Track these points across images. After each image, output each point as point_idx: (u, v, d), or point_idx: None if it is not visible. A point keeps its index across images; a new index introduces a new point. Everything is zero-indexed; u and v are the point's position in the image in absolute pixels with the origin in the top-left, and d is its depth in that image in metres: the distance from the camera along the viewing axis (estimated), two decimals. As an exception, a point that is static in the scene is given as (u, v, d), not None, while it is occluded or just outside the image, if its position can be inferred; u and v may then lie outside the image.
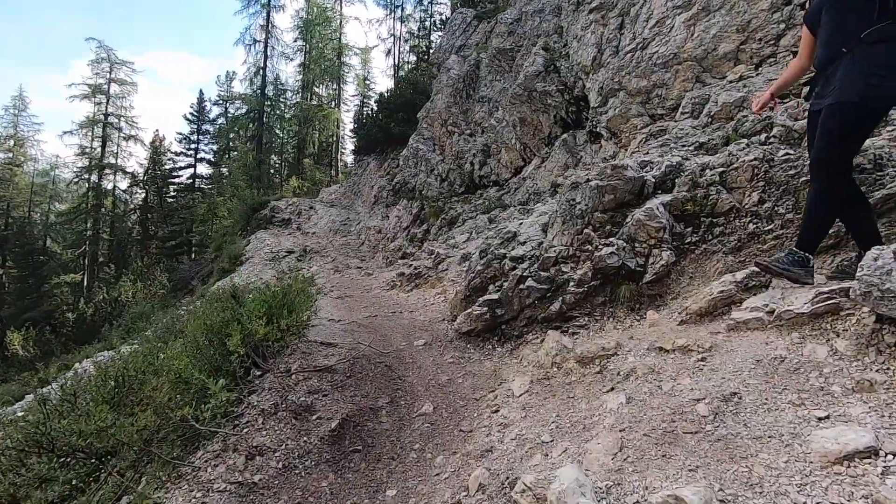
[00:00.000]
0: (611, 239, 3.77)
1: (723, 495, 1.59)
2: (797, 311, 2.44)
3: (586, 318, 3.61)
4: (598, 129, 7.65)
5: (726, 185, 3.69)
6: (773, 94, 3.03)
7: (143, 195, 34.47)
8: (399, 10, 30.75)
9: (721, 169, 3.75)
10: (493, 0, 14.15)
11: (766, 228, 3.40)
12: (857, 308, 2.28)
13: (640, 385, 2.43)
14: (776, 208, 3.42)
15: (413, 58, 28.34)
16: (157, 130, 41.75)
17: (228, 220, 20.37)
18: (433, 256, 7.47)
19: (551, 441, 2.32)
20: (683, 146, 4.73)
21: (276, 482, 2.47)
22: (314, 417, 2.93)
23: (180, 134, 33.49)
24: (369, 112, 21.65)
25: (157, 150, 34.05)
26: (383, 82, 51.65)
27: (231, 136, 34.31)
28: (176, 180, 34.10)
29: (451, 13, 16.93)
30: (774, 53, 5.53)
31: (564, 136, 8.69)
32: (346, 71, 35.00)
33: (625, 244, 3.68)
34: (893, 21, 2.25)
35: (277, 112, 33.92)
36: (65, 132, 32.39)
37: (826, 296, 2.39)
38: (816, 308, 2.39)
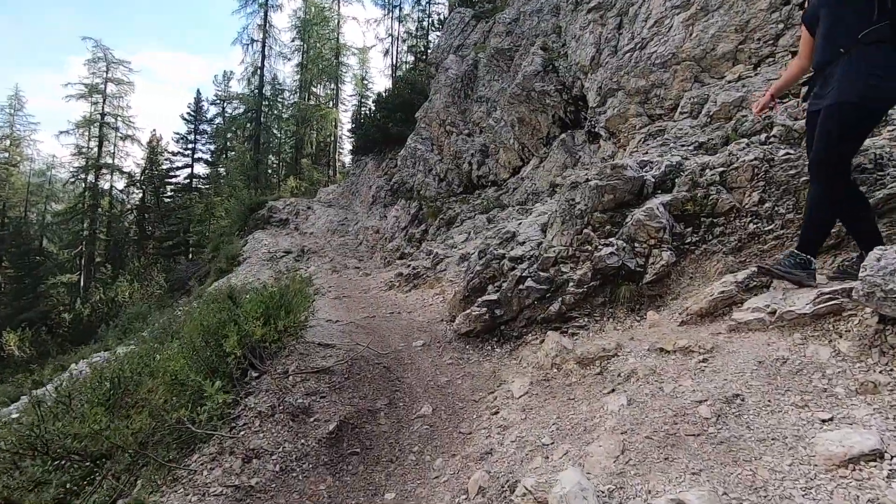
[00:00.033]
0: (610, 239, 3.75)
1: (727, 499, 1.56)
2: (799, 312, 2.42)
3: (586, 319, 3.59)
4: (596, 129, 7.64)
5: (726, 184, 3.67)
6: (774, 96, 3.02)
7: (140, 195, 34.36)
8: (397, 10, 30.72)
9: (721, 169, 3.73)
10: (492, 0, 14.13)
11: (766, 228, 3.38)
12: (860, 309, 2.26)
13: (641, 386, 2.41)
14: (776, 208, 3.41)
15: (411, 58, 28.33)
16: (154, 130, 41.71)
17: (226, 221, 20.31)
18: (431, 257, 7.45)
19: (552, 443, 2.30)
20: (683, 146, 4.71)
21: (274, 485, 2.44)
22: (312, 419, 2.90)
23: (177, 134, 33.41)
24: (367, 112, 21.64)
25: (154, 149, 33.93)
26: (381, 82, 51.65)
27: (228, 135, 34.21)
28: (173, 180, 33.98)
29: (449, 13, 16.91)
30: (773, 53, 5.53)
31: (563, 136, 8.67)
32: (344, 71, 34.96)
33: (625, 244, 3.66)
34: (891, 21, 2.24)
35: (275, 112, 33.83)
36: (61, 132, 32.28)
37: (828, 296, 2.38)
38: (818, 309, 2.38)
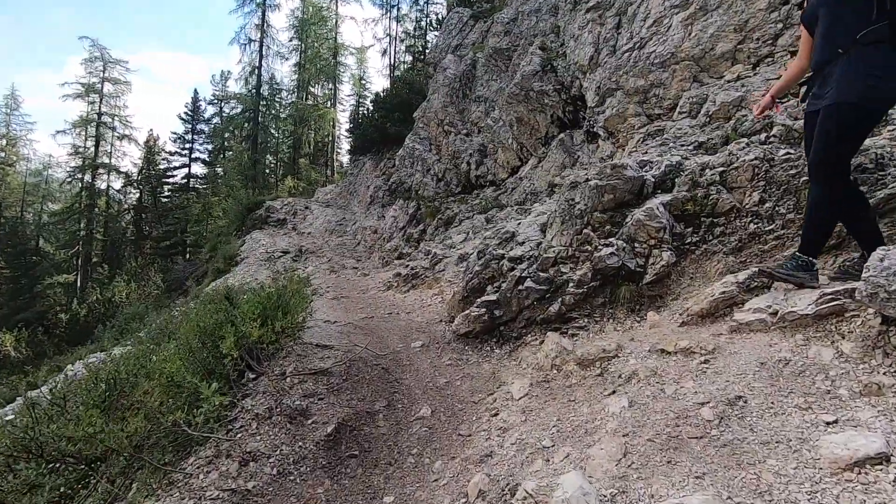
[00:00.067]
0: (610, 239, 3.73)
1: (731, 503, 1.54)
2: (801, 313, 2.40)
3: (586, 320, 3.56)
4: (595, 129, 7.62)
5: (726, 184, 3.66)
6: (774, 97, 3.01)
7: (138, 195, 34.28)
8: (395, 10, 30.70)
9: (721, 168, 3.71)
10: (490, 0, 14.11)
11: (767, 228, 3.37)
12: (862, 309, 2.25)
13: (643, 388, 2.38)
14: (777, 208, 3.39)
15: (409, 58, 28.29)
16: (151, 130, 41.57)
17: (223, 220, 20.27)
18: (430, 257, 7.42)
19: (552, 446, 2.27)
20: (682, 146, 4.70)
21: (271, 489, 2.41)
22: (309, 422, 2.87)
23: (175, 133, 33.34)
24: (365, 112, 21.61)
25: (151, 149, 33.84)
26: (379, 82, 51.62)
27: (226, 135, 34.15)
28: (170, 180, 33.92)
29: (448, 13, 16.89)
30: (772, 53, 5.52)
31: (561, 135, 8.65)
32: (342, 70, 34.90)
33: (624, 244, 3.64)
34: (890, 21, 2.23)
35: (273, 112, 33.77)
36: (58, 131, 32.25)
37: (830, 297, 2.36)
38: (820, 309, 2.36)
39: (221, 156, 33.71)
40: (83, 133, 32.09)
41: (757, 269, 2.90)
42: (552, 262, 3.93)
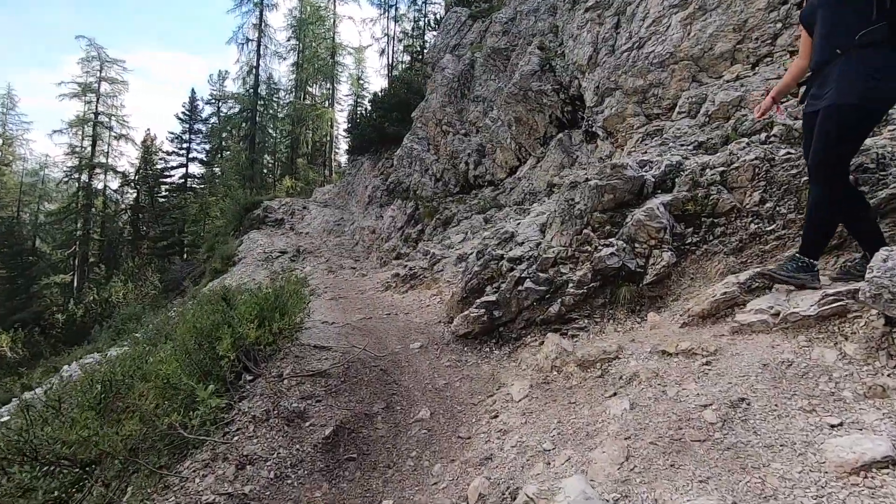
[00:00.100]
0: (610, 239, 3.71)
1: (736, 508, 1.52)
2: (803, 314, 2.38)
3: (586, 321, 3.54)
4: (594, 129, 7.60)
5: (727, 184, 3.64)
6: (775, 99, 2.99)
7: (135, 195, 34.14)
8: (393, 10, 30.65)
9: (721, 168, 3.69)
10: (488, 0, 14.08)
11: (767, 229, 3.35)
12: (865, 310, 2.23)
13: (644, 390, 2.36)
14: (778, 208, 3.37)
15: (407, 57, 28.24)
16: (148, 129, 41.32)
17: (221, 221, 20.20)
18: (428, 257, 7.39)
19: (553, 449, 2.24)
20: (682, 145, 4.68)
21: (268, 493, 2.38)
22: (307, 424, 2.84)
23: (172, 133, 33.21)
24: (363, 112, 21.56)
25: (148, 149, 33.73)
26: (377, 82, 51.60)
27: (223, 135, 34.06)
28: (168, 180, 33.79)
29: (446, 13, 16.85)
30: (771, 53, 5.51)
31: (560, 135, 8.64)
32: (340, 70, 34.84)
33: (625, 245, 3.62)
34: (890, 22, 2.22)
35: (270, 111, 33.69)
36: (54, 131, 32.09)
37: (833, 298, 2.34)
38: (823, 310, 2.34)
39: (219, 156, 33.61)
40: (80, 133, 31.98)
41: (757, 271, 2.88)
42: (552, 262, 3.90)
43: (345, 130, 25.91)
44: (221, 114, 34.74)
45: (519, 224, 5.01)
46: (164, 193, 33.70)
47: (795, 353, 2.23)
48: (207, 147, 34.24)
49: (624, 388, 2.47)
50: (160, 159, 33.98)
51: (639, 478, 1.77)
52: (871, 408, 1.80)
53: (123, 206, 34.61)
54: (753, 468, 1.66)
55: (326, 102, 34.43)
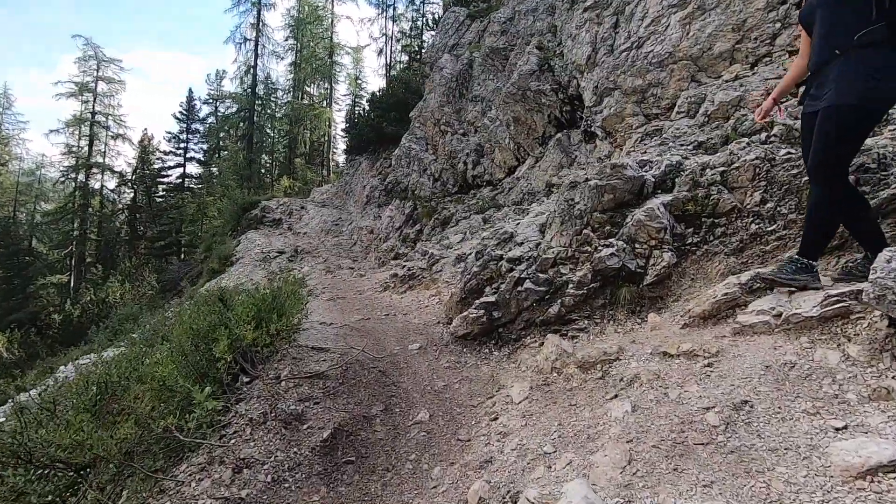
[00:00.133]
0: (610, 240, 3.68)
1: (741, 513, 1.50)
2: (806, 315, 2.36)
3: (586, 322, 3.51)
4: (592, 129, 7.59)
5: (727, 184, 3.62)
6: (776, 100, 2.98)
7: (132, 195, 33.99)
8: (391, 10, 30.58)
9: (722, 168, 3.68)
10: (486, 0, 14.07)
11: (768, 229, 3.33)
12: (868, 312, 2.21)
13: (646, 392, 2.34)
14: (779, 208, 3.35)
15: (405, 57, 28.19)
16: (145, 129, 41.23)
17: (218, 220, 20.12)
18: (427, 257, 7.36)
19: (554, 452, 2.22)
20: (682, 145, 4.67)
21: (265, 497, 2.34)
22: (305, 427, 2.80)
23: (169, 133, 33.08)
24: (361, 111, 21.50)
25: (145, 149, 33.59)
26: (375, 82, 51.55)
27: (221, 135, 33.94)
28: (165, 180, 33.66)
29: (444, 12, 16.81)
30: (770, 53, 5.50)
31: (559, 135, 8.62)
32: (338, 70, 34.79)
33: (625, 245, 3.59)
34: (889, 22, 2.20)
35: (268, 111, 33.62)
36: (51, 131, 32.00)
37: (835, 299, 2.32)
38: (825, 311, 2.32)
39: (216, 155, 33.49)
40: (77, 132, 31.82)
41: (757, 274, 2.86)
42: (551, 262, 3.88)
43: (343, 130, 25.85)
44: (219, 113, 34.63)
45: (518, 224, 4.98)
46: (161, 193, 33.58)
47: (798, 354, 2.21)
48: (205, 147, 34.13)
49: (625, 390, 2.45)
50: (157, 159, 33.86)
51: (641, 482, 1.74)
52: (875, 410, 1.78)
53: (120, 206, 34.48)
54: (758, 472, 1.64)
55: (324, 102, 34.38)
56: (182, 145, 32.98)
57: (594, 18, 7.51)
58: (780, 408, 1.92)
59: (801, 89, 2.77)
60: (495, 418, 2.83)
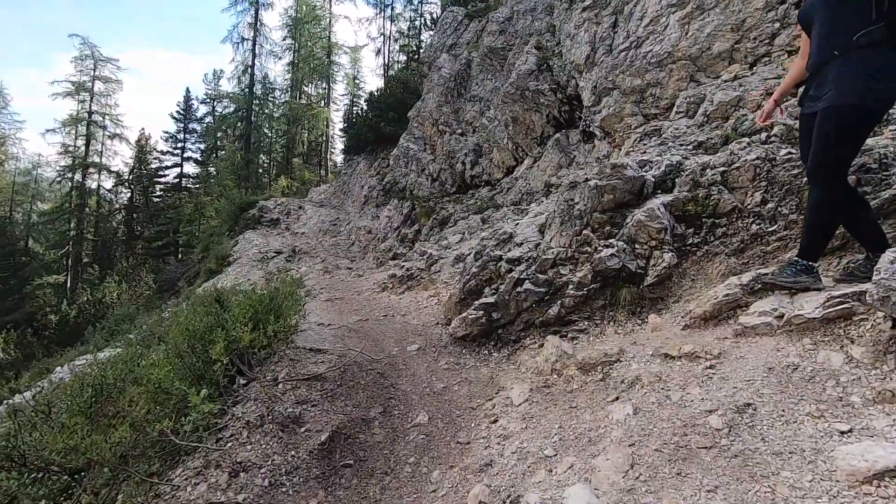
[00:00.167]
0: (610, 240, 3.66)
1: (746, 519, 1.47)
2: (808, 316, 2.35)
3: (586, 323, 3.49)
4: (591, 129, 7.57)
5: (728, 184, 3.60)
6: (778, 102, 2.97)
7: (129, 195, 33.90)
8: (389, 10, 30.52)
9: (722, 168, 3.65)
10: (484, -1, 14.04)
11: (769, 229, 3.31)
12: (871, 313, 2.19)
13: (647, 394, 2.31)
14: (779, 209, 3.33)
15: (403, 57, 28.14)
16: (142, 129, 41.02)
17: (216, 220, 20.05)
18: (425, 257, 7.33)
19: (555, 455, 2.19)
20: (682, 145, 4.65)
21: (262, 501, 2.31)
22: (303, 430, 2.77)
23: (167, 133, 32.98)
24: (359, 111, 21.47)
25: (142, 148, 33.48)
26: (373, 81, 51.40)
27: (219, 134, 33.84)
28: (162, 180, 33.58)
29: (442, 12, 16.78)
30: (769, 53, 5.49)
31: (557, 135, 8.60)
32: (336, 70, 34.72)
33: (625, 245, 3.57)
34: (888, 22, 2.19)
35: (266, 111, 33.53)
36: (47, 130, 31.79)
37: (838, 300, 2.30)
38: (828, 313, 2.30)
39: (214, 155, 33.40)
40: (73, 132, 31.68)
41: (758, 275, 2.84)
42: (551, 263, 3.85)
43: (341, 130, 25.80)
44: (216, 113, 34.53)
45: (517, 224, 4.96)
46: (158, 193, 33.49)
47: (801, 356, 2.19)
48: (202, 146, 34.05)
49: (626, 393, 2.43)
50: (155, 159, 33.75)
51: (644, 486, 1.72)
52: (880, 413, 1.76)
53: (117, 205, 34.36)
54: (762, 476, 1.62)
55: (322, 102, 34.31)
56: (179, 145, 32.90)
57: (593, 18, 7.49)
58: (783, 411, 1.90)
59: (801, 90, 2.76)
60: (495, 421, 2.80)
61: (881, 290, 1.99)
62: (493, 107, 10.14)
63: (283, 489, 2.38)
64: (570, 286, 3.65)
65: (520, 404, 2.82)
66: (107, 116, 32.35)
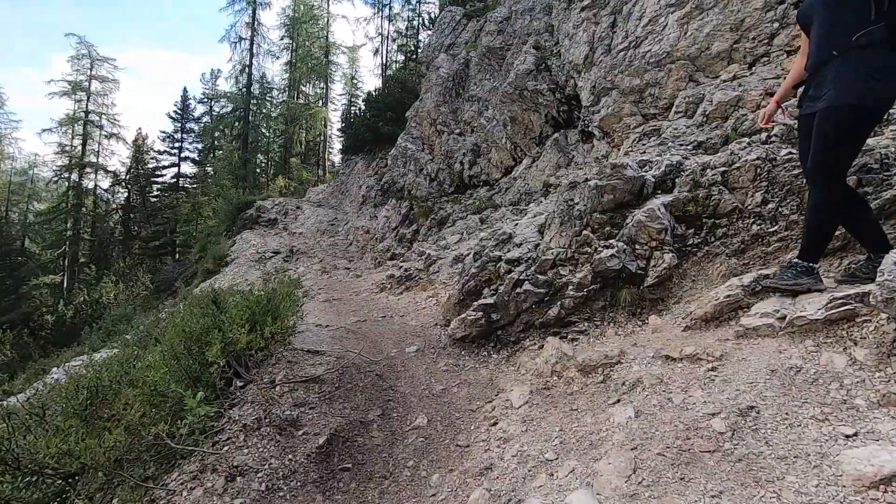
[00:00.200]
0: (610, 241, 3.64)
1: (752, 525, 1.45)
2: (810, 318, 2.32)
3: (586, 324, 3.46)
4: (590, 129, 7.55)
5: (728, 185, 3.58)
6: (779, 103, 2.96)
7: (126, 194, 33.77)
8: (387, 9, 30.48)
9: (723, 168, 3.64)
10: (483, -2, 14.01)
11: (770, 230, 3.29)
12: (875, 314, 2.17)
13: (649, 397, 2.29)
14: (780, 209, 3.32)
15: (401, 57, 28.12)
16: (139, 128, 40.81)
17: (213, 220, 19.99)
18: (424, 258, 7.30)
19: (556, 459, 2.16)
20: (682, 145, 4.63)
21: (259, 506, 2.28)
22: (300, 433, 2.74)
23: (164, 132, 32.85)
24: (357, 111, 21.43)
25: (139, 148, 33.36)
26: (371, 81, 51.38)
27: (216, 134, 33.74)
28: (159, 179, 33.47)
29: (440, 12, 16.75)
30: (768, 52, 5.48)
31: (556, 135, 8.58)
32: (334, 70, 34.66)
33: (625, 246, 3.55)
34: (888, 22, 2.18)
35: (264, 111, 33.43)
36: (44, 130, 31.62)
37: (840, 301, 2.28)
38: (831, 314, 2.28)
39: (211, 155, 33.30)
40: (70, 131, 31.54)
41: (760, 276, 2.82)
42: (551, 264, 3.83)
43: (339, 130, 25.75)
44: (214, 113, 34.44)
45: (517, 225, 4.93)
46: (155, 193, 33.37)
47: (804, 358, 2.17)
48: (200, 146, 33.94)
49: (627, 395, 2.40)
50: (152, 159, 33.62)
51: (647, 492, 1.70)
52: (886, 416, 1.73)
53: (114, 205, 34.21)
54: (767, 481, 1.59)
55: (320, 102, 34.25)
56: (177, 145, 32.78)
57: (591, 18, 7.47)
58: (787, 414, 1.87)
59: (801, 90, 2.75)
60: (495, 423, 2.77)
61: (885, 291, 1.97)
62: (491, 107, 10.12)
63: (281, 493, 2.35)
64: (570, 287, 3.63)
65: (520, 406, 2.79)
66: (103, 116, 32.23)
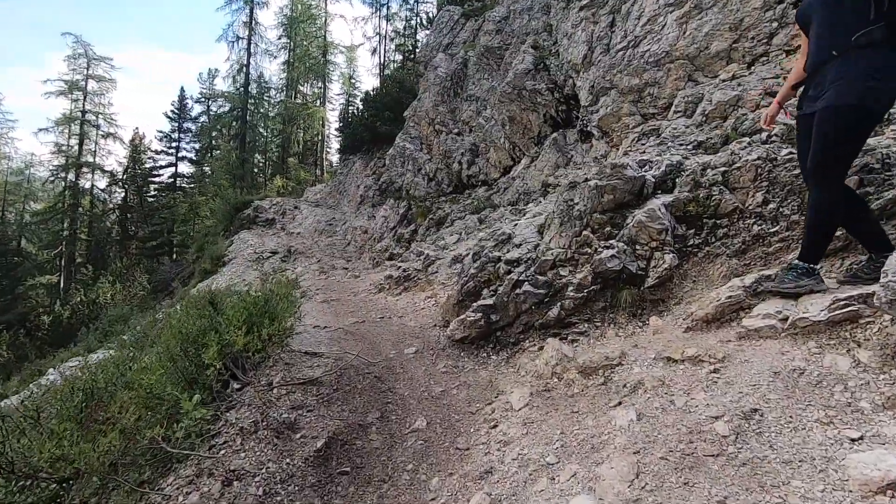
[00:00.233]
0: (611, 241, 3.61)
1: (757, 532, 1.43)
2: (813, 319, 2.31)
3: (586, 325, 3.44)
4: (588, 129, 7.53)
5: (729, 185, 3.56)
6: (781, 103, 2.94)
7: (123, 194, 33.64)
8: (385, 9, 30.44)
9: (723, 168, 3.61)
10: (481, -2, 13.98)
11: (771, 230, 3.27)
12: (878, 316, 2.15)
13: (651, 399, 2.26)
14: (781, 209, 3.30)
15: (399, 56, 28.10)
16: (136, 128, 40.56)
17: (211, 220, 19.91)
18: (422, 258, 7.27)
19: (557, 462, 2.14)
20: (681, 145, 4.61)
21: (256, 511, 2.25)
22: (298, 436, 2.71)
23: (161, 132, 32.72)
24: (355, 111, 21.37)
25: (136, 148, 33.24)
26: (369, 81, 51.33)
27: (214, 134, 33.64)
28: (157, 179, 33.34)
29: (438, 11, 16.71)
30: (767, 52, 5.47)
31: (554, 135, 8.56)
32: (332, 69, 34.58)
33: (625, 246, 3.52)
34: (888, 22, 2.16)
35: (261, 110, 33.33)
36: (40, 129, 31.53)
37: (844, 303, 2.27)
38: (834, 316, 2.26)
39: (209, 155, 33.20)
40: (66, 131, 31.40)
41: (760, 279, 2.80)
42: (550, 264, 3.80)
43: (336, 129, 25.64)
44: (211, 112, 34.33)
45: (516, 225, 4.91)
46: (152, 193, 33.24)
47: (807, 360, 2.15)
48: (197, 146, 33.81)
49: (629, 397, 2.38)
50: (149, 158, 33.52)
51: (651, 497, 1.67)
52: (891, 420, 1.72)
53: (111, 205, 34.09)
54: (772, 486, 1.57)
55: (318, 101, 34.17)
56: (174, 144, 32.66)
57: (590, 17, 7.45)
58: (791, 417, 1.85)
59: (800, 90, 2.73)
60: (495, 426, 2.75)
61: (889, 293, 1.95)
62: (489, 106, 10.09)
63: (278, 498, 2.31)
64: (570, 288, 3.60)
65: (520, 409, 2.77)
66: (100, 115, 32.11)
